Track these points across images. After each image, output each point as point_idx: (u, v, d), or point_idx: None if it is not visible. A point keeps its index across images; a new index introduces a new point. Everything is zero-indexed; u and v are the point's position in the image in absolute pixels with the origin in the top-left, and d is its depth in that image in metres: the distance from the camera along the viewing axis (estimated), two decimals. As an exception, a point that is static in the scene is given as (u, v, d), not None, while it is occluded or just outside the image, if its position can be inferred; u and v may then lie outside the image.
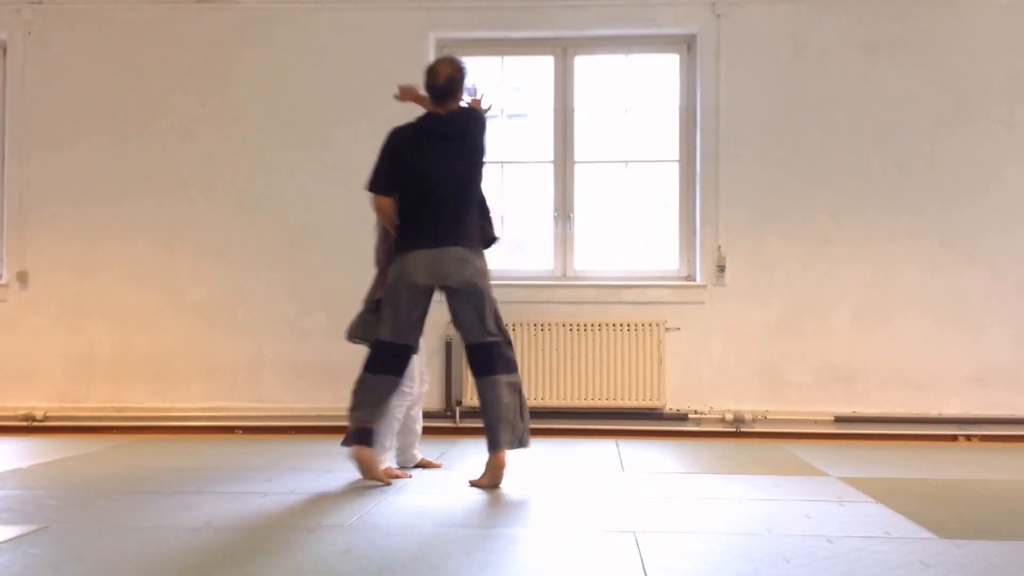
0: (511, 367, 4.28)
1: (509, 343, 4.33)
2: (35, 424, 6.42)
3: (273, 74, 6.49)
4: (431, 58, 6.46)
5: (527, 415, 4.32)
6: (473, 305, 4.27)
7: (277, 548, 3.11)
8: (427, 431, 6.13)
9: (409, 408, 4.68)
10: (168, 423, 6.40)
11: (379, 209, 4.44)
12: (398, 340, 4.29)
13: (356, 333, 4.50)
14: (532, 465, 4.85)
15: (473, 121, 4.37)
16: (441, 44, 6.56)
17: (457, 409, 6.26)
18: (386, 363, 4.29)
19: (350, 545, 3.15)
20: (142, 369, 6.47)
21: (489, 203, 4.52)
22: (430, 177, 4.28)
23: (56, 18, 6.61)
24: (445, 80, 4.35)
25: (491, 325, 4.27)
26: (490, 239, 4.49)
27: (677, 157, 6.51)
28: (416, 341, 4.39)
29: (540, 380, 6.19)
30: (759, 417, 6.19)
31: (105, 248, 6.53)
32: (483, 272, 4.31)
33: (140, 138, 6.54)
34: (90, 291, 6.52)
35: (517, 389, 4.29)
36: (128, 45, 6.57)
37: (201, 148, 6.51)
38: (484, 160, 4.40)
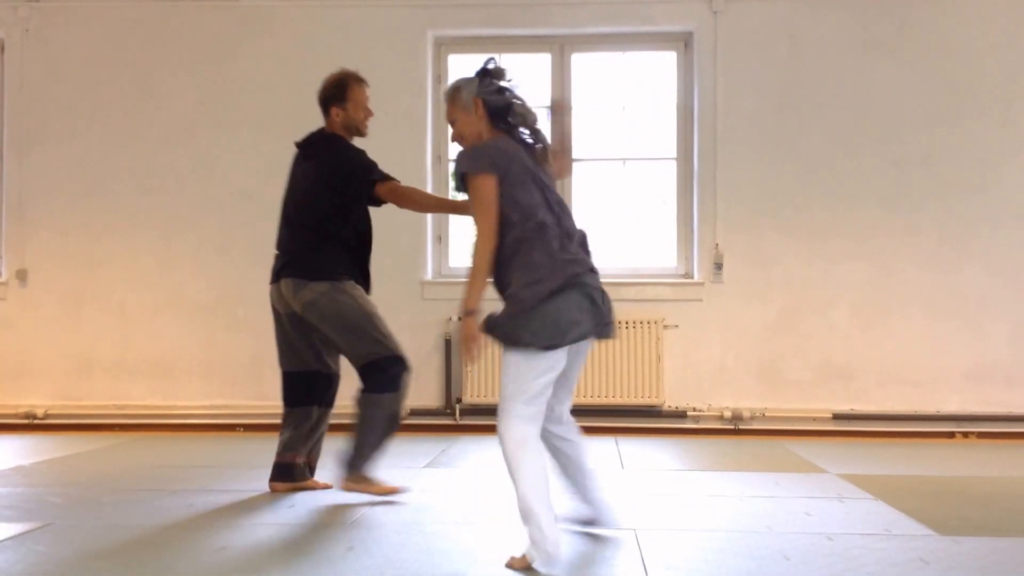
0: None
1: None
2: (36, 422, 6.43)
3: (272, 71, 6.49)
4: (429, 56, 6.48)
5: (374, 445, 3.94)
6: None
7: (280, 546, 3.12)
8: (427, 429, 6.19)
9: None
10: (169, 421, 6.40)
11: None
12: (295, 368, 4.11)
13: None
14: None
15: (332, 140, 4.09)
16: (439, 42, 6.56)
17: (457, 407, 6.27)
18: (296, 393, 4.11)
19: (353, 543, 3.16)
20: (143, 367, 6.47)
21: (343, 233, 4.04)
22: (284, 198, 4.21)
23: (54, 16, 6.59)
24: (322, 88, 4.12)
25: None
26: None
27: (675, 155, 6.52)
28: (326, 365, 4.12)
29: (539, 377, 6.19)
30: (757, 415, 6.21)
31: (105, 245, 6.53)
32: (316, 301, 3.93)
33: (139, 135, 6.54)
34: (90, 288, 6.52)
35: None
36: (126, 42, 6.57)
37: (200, 145, 6.50)
38: (342, 184, 4.00)
